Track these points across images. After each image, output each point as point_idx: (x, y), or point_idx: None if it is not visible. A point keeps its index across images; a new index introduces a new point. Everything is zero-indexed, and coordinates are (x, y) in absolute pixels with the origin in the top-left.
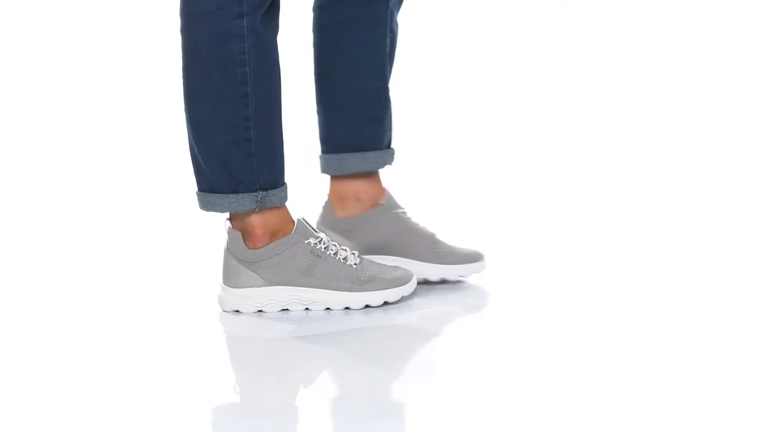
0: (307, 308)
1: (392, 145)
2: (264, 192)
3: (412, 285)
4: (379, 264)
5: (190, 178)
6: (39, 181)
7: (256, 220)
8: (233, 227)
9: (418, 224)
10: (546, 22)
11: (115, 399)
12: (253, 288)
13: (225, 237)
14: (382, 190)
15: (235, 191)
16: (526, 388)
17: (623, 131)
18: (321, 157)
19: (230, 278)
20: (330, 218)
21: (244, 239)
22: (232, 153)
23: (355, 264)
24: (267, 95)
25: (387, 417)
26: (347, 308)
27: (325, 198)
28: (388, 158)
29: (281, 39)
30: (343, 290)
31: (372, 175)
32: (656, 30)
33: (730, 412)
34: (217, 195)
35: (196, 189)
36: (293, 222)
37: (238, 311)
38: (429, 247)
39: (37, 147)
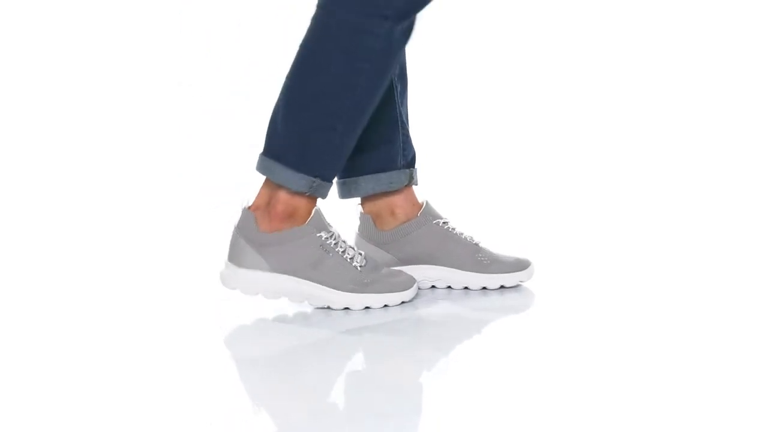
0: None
1: (416, 165)
2: (320, 182)
3: (413, 291)
4: (384, 268)
5: (190, 178)
6: (39, 180)
7: (284, 197)
8: (256, 200)
9: (460, 234)
10: (556, 25)
11: (117, 398)
12: (258, 271)
13: (237, 215)
14: (418, 204)
15: (297, 169)
16: (538, 391)
17: (642, 130)
18: (336, 184)
19: (236, 257)
20: (369, 231)
21: (256, 221)
22: (315, 135)
23: (360, 266)
24: (371, 98)
25: (390, 417)
26: (347, 308)
27: (360, 209)
28: (404, 178)
29: None
30: (345, 290)
31: (403, 190)
32: (668, 30)
33: (741, 414)
34: (279, 165)
35: (260, 151)
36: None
37: (237, 290)
38: (470, 256)
39: (37, 147)
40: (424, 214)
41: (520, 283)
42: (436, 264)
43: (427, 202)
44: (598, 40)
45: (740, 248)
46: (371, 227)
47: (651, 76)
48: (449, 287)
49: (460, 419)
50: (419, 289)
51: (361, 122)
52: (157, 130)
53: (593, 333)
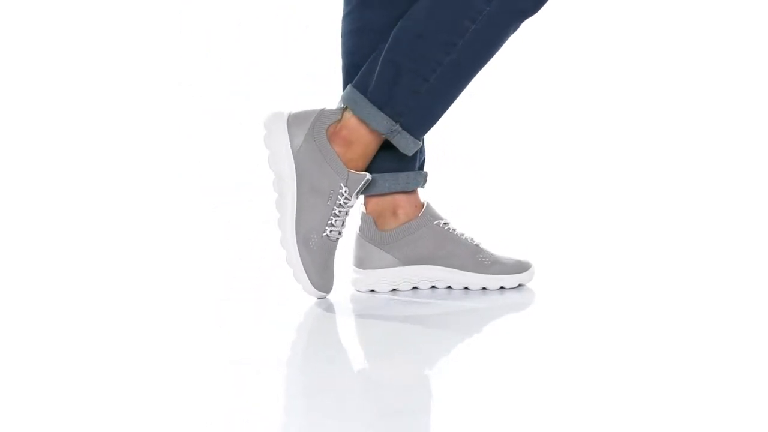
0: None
1: (425, 168)
2: (400, 129)
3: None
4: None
5: (190, 178)
6: (39, 180)
7: (357, 126)
8: (367, 211)
9: (461, 234)
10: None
11: (117, 398)
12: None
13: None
14: (419, 204)
15: (381, 108)
16: (540, 390)
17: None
18: None
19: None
20: (370, 231)
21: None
22: (406, 79)
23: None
24: (468, 63)
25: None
26: (466, 288)
27: (362, 209)
28: (420, 180)
29: None
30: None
31: (409, 192)
32: (670, 30)
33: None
34: (365, 99)
35: (351, 83)
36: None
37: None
38: (471, 257)
39: (37, 147)
40: (425, 215)
41: (520, 284)
42: (436, 264)
43: (427, 203)
44: (598, 41)
45: (740, 248)
46: (372, 227)
47: (650, 78)
48: (449, 288)
49: (462, 418)
50: (418, 289)
51: (455, 84)
52: (157, 130)
53: (594, 333)
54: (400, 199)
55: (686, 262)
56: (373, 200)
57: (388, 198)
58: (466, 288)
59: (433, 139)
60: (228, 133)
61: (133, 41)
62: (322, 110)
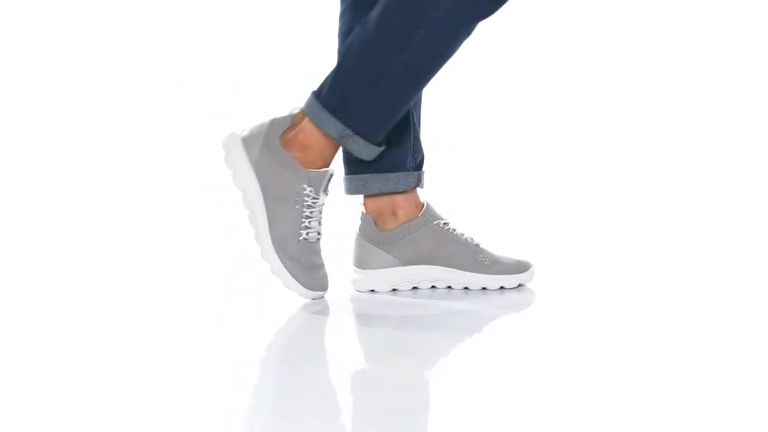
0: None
1: (424, 168)
2: (351, 134)
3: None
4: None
5: (190, 178)
6: (39, 180)
7: (312, 130)
8: (368, 211)
9: (461, 234)
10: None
11: (117, 398)
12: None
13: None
14: (419, 204)
15: (333, 113)
16: (540, 390)
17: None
18: (344, 179)
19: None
20: (370, 231)
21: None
22: (357, 86)
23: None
24: (419, 66)
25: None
26: (466, 288)
27: (362, 209)
28: (412, 180)
29: None
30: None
31: (407, 192)
32: (669, 30)
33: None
34: (318, 104)
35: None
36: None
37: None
38: (471, 257)
39: (37, 147)
40: (425, 215)
41: (520, 284)
42: (436, 264)
43: (427, 203)
44: (598, 42)
45: (740, 248)
46: (372, 227)
47: (650, 78)
48: (449, 288)
49: (462, 418)
50: (418, 289)
51: (405, 89)
52: (157, 130)
53: (594, 333)
54: (399, 199)
55: (686, 261)
56: (372, 200)
57: (387, 198)
58: (466, 288)
59: (433, 139)
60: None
61: (133, 41)
62: (273, 120)
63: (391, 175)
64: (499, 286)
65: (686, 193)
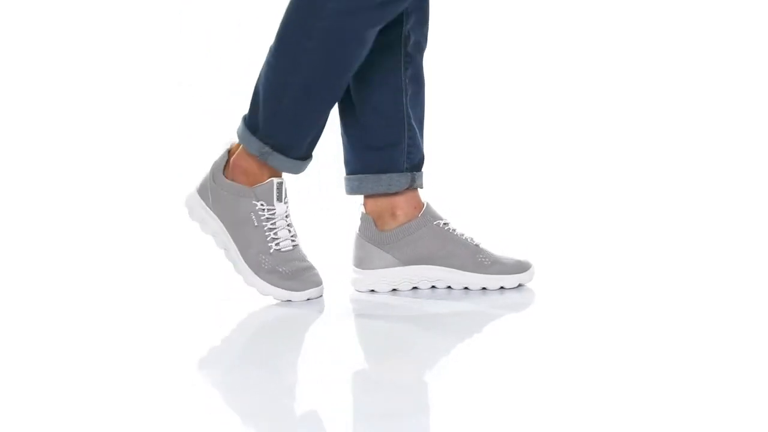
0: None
1: (423, 168)
2: (270, 150)
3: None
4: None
5: (190, 178)
6: (39, 180)
7: (244, 156)
8: (367, 211)
9: (461, 235)
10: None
11: (117, 398)
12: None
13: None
14: (419, 205)
15: (253, 132)
16: (539, 390)
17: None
18: (343, 179)
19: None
20: (370, 232)
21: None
22: (265, 104)
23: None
24: (317, 79)
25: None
26: (466, 288)
27: (362, 210)
28: (405, 181)
29: None
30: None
31: (405, 192)
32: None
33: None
34: (243, 126)
35: None
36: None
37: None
38: (471, 257)
39: (37, 147)
40: (425, 215)
41: (520, 284)
42: (436, 265)
43: (427, 204)
44: (597, 41)
45: (739, 248)
46: (372, 228)
47: (649, 79)
48: (449, 288)
49: (462, 418)
50: (418, 289)
51: (311, 103)
52: (157, 130)
53: (593, 333)
54: (399, 200)
55: (685, 261)
56: (371, 201)
57: (386, 199)
58: (465, 288)
59: (432, 139)
60: (228, 133)
61: (134, 41)
62: (213, 162)
63: (383, 176)
64: (499, 286)
65: (686, 193)
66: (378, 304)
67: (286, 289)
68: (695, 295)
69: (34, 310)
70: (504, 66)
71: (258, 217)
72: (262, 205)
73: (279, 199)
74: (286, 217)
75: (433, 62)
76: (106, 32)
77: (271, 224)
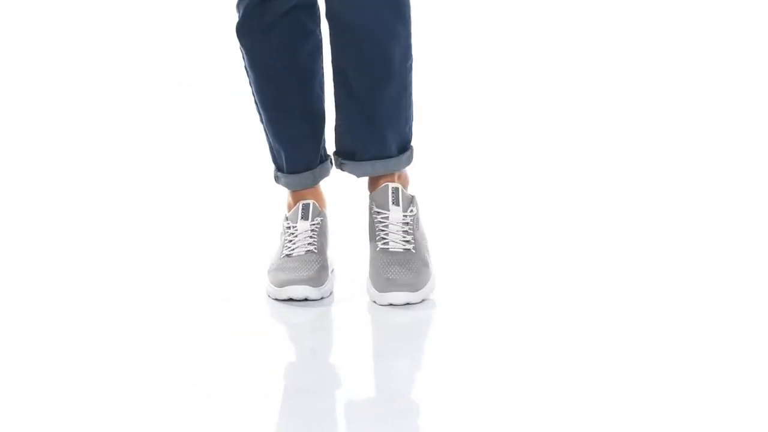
0: None
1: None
2: (276, 172)
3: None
4: None
5: (190, 178)
6: (39, 181)
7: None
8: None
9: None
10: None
11: (117, 398)
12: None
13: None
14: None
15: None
16: (537, 390)
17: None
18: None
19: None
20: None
21: None
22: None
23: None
24: (257, 93)
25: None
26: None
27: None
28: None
29: None
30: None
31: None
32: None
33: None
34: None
35: None
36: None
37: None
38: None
39: (37, 147)
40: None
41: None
42: None
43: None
44: (597, 40)
45: (738, 247)
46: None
47: (648, 79)
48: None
49: (462, 418)
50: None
51: (268, 116)
52: (158, 130)
53: (593, 333)
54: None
55: (684, 261)
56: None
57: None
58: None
59: (432, 139)
60: (228, 133)
61: (134, 41)
62: None
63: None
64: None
65: (685, 192)
66: (378, 304)
67: (270, 282)
68: (695, 294)
69: (34, 310)
70: (499, 64)
71: (285, 231)
72: (288, 222)
73: (304, 218)
74: (308, 232)
75: (431, 62)
76: (106, 32)
77: (292, 237)
